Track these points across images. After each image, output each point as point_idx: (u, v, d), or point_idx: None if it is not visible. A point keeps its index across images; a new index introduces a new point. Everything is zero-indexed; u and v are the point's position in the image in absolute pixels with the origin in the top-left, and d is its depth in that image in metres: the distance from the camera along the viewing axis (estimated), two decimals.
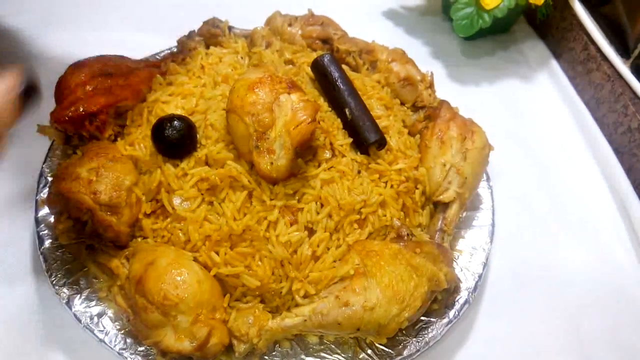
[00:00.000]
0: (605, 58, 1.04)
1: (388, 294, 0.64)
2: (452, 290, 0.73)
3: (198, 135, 0.73)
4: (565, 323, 0.80)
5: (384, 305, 0.63)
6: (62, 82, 0.78)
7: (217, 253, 0.67)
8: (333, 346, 0.68)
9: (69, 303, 0.69)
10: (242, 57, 0.87)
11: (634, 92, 0.98)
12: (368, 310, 0.63)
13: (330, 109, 0.79)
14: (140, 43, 1.00)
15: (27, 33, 1.08)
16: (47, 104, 0.78)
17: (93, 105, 0.75)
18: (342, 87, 0.79)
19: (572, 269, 0.86)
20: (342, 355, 0.68)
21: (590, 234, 0.90)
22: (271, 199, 0.69)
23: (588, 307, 0.81)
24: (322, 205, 0.71)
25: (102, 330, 0.67)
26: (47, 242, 0.73)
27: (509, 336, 0.78)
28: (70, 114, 0.75)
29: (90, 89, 0.77)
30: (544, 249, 0.88)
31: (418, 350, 0.68)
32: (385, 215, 0.74)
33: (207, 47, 0.93)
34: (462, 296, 0.74)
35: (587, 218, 0.92)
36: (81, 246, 0.71)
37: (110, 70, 0.80)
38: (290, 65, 0.86)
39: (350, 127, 0.76)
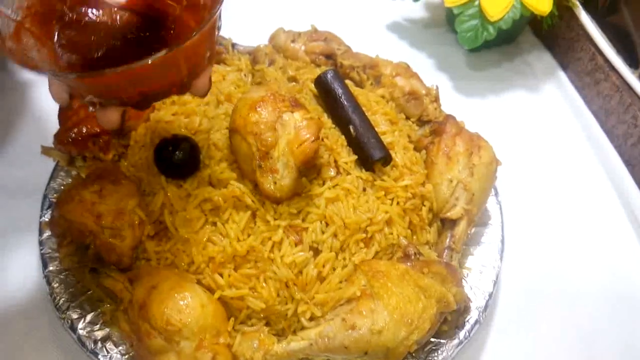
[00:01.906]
0: (613, 68, 1.03)
1: (396, 316, 0.62)
2: (462, 310, 0.71)
3: (201, 155, 0.72)
4: (580, 340, 0.78)
5: (392, 328, 0.62)
6: None
7: (221, 275, 0.66)
8: None
9: (72, 327, 0.68)
10: (245, 75, 0.87)
11: None
12: (375, 334, 0.61)
13: (334, 125, 0.79)
14: None
15: None
16: (50, 125, 0.79)
17: (96, 126, 0.75)
18: (346, 103, 0.78)
19: (584, 285, 0.84)
20: None
21: (602, 249, 0.88)
22: (275, 219, 0.68)
23: (602, 324, 0.79)
24: (327, 225, 0.69)
25: (106, 355, 0.66)
26: (51, 266, 0.72)
27: (522, 355, 0.76)
28: (73, 135, 0.74)
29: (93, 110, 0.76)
30: (555, 264, 0.86)
31: None
32: (392, 234, 0.73)
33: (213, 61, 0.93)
34: (473, 316, 0.72)
35: (598, 232, 0.90)
36: (84, 269, 0.70)
37: None
38: (294, 82, 0.85)
39: (355, 144, 0.76)
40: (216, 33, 0.58)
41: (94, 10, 0.59)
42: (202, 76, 0.58)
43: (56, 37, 0.57)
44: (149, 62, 0.49)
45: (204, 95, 0.60)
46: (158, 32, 0.59)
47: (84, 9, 0.59)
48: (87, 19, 0.59)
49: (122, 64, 0.52)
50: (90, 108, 0.57)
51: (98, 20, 0.59)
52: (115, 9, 0.60)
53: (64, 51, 0.57)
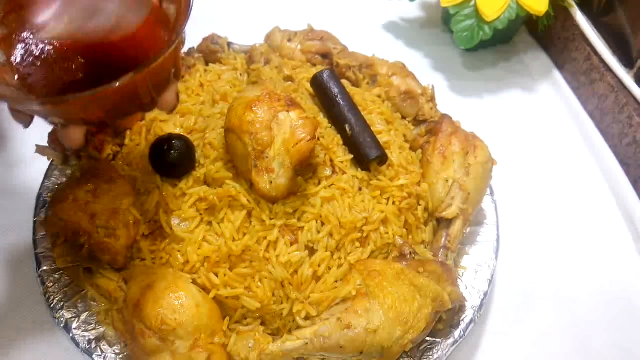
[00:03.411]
0: (608, 68, 1.03)
1: (391, 315, 0.62)
2: (457, 309, 0.71)
3: (197, 155, 0.72)
4: (575, 340, 0.78)
5: (387, 328, 0.62)
6: None
7: (216, 274, 0.66)
8: None
9: (66, 326, 0.68)
10: (241, 74, 0.87)
11: (638, 103, 0.97)
12: (371, 333, 0.61)
13: (330, 125, 0.79)
14: None
15: None
16: (45, 124, 0.78)
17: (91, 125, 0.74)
18: (342, 102, 0.78)
19: (579, 285, 0.84)
20: None
21: (597, 248, 0.88)
22: (271, 219, 0.68)
23: (597, 324, 0.80)
24: (322, 224, 0.69)
25: (101, 355, 0.66)
26: (46, 265, 0.72)
27: (517, 354, 0.76)
28: None
29: None
30: (550, 263, 0.86)
31: None
32: (387, 233, 0.72)
33: (207, 64, 0.93)
34: (468, 315, 0.72)
35: (593, 231, 0.91)
36: (79, 269, 0.70)
37: None
38: (290, 82, 0.85)
39: (351, 144, 0.76)
40: (181, 48, 0.57)
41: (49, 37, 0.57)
42: (168, 92, 0.57)
43: (14, 59, 0.55)
44: (115, 86, 0.48)
45: (171, 111, 0.60)
46: (121, 50, 0.57)
47: (40, 33, 0.57)
48: (43, 44, 0.57)
49: (84, 84, 0.51)
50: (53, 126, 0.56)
51: (54, 45, 0.57)
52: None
53: (22, 73, 0.55)
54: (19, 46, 0.56)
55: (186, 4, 0.55)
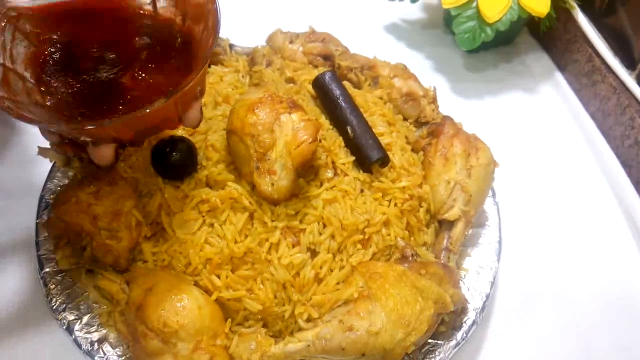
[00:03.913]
0: (610, 70, 1.03)
1: (393, 317, 0.62)
2: (460, 311, 0.71)
3: (198, 157, 0.72)
4: (577, 341, 0.78)
5: (389, 330, 0.62)
6: None
7: (218, 277, 0.66)
8: None
9: (69, 328, 0.68)
10: (243, 76, 0.87)
11: None
12: (373, 335, 0.61)
13: (332, 127, 0.79)
14: None
15: None
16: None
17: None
18: (343, 104, 0.78)
19: (581, 286, 0.84)
20: None
21: (599, 250, 0.88)
22: (272, 221, 0.68)
23: (599, 325, 0.80)
24: (324, 226, 0.69)
25: (103, 357, 0.66)
26: (48, 267, 0.72)
27: (519, 356, 0.76)
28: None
29: None
30: (552, 265, 0.86)
31: None
32: (389, 235, 0.73)
33: (209, 66, 0.93)
34: (470, 317, 0.72)
35: (595, 233, 0.90)
36: (81, 271, 0.70)
37: None
38: (291, 84, 0.85)
39: (353, 145, 0.76)
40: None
41: (78, 51, 0.59)
42: (193, 108, 0.59)
43: (44, 78, 0.57)
44: (148, 110, 0.50)
45: (196, 126, 0.62)
46: (148, 64, 0.59)
47: (69, 48, 0.59)
48: (73, 60, 0.59)
49: (114, 103, 0.52)
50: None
51: (83, 61, 0.59)
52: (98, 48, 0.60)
53: (52, 93, 0.56)
54: (48, 66, 0.58)
55: (213, 25, 0.56)
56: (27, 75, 0.56)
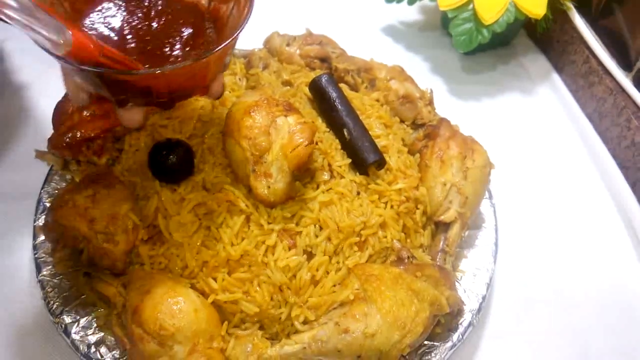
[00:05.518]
0: (607, 71, 1.03)
1: (389, 319, 0.63)
2: (456, 313, 0.71)
3: (195, 160, 0.72)
4: (574, 344, 0.78)
5: (385, 332, 0.62)
6: (59, 107, 0.78)
7: (215, 279, 0.66)
8: None
9: (66, 331, 0.68)
10: (239, 79, 0.87)
11: (636, 106, 0.97)
12: (369, 337, 0.62)
13: (328, 129, 0.79)
14: None
15: (30, 57, 1.09)
16: (45, 129, 0.79)
17: (90, 130, 0.75)
18: (340, 107, 0.78)
19: (577, 287, 0.84)
20: None
21: (596, 251, 0.88)
22: (269, 223, 0.68)
23: (596, 327, 0.80)
24: (321, 228, 0.70)
25: (100, 359, 0.66)
26: (45, 270, 0.72)
27: (515, 358, 0.76)
28: (67, 139, 0.74)
29: (87, 114, 0.76)
30: (548, 267, 0.86)
31: None
32: (385, 237, 0.73)
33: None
34: (466, 319, 0.72)
35: (592, 234, 0.91)
36: (78, 274, 0.70)
37: None
38: (288, 86, 0.85)
39: (349, 148, 0.76)
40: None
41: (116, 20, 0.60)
42: (217, 80, 0.61)
43: (88, 27, 0.58)
44: (196, 63, 0.52)
45: (218, 98, 0.63)
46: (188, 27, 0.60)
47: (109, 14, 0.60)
48: (119, 10, 0.60)
49: (154, 59, 0.54)
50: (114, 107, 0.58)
51: (129, 12, 0.60)
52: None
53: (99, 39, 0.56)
54: (91, 22, 0.59)
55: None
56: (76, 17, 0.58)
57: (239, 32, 0.56)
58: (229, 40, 0.55)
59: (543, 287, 0.83)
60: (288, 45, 0.95)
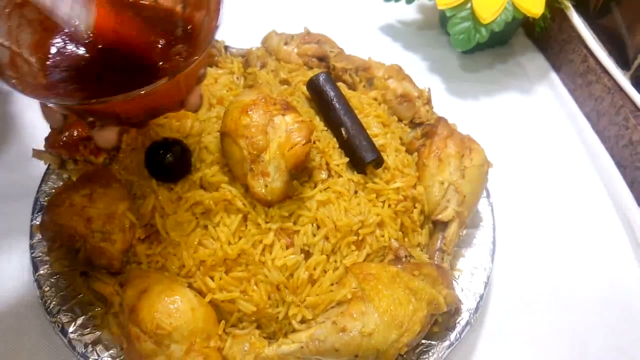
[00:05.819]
0: (604, 70, 1.03)
1: (386, 318, 0.63)
2: (453, 312, 0.71)
3: (192, 158, 0.72)
4: (572, 343, 0.78)
5: (382, 331, 0.62)
6: None
7: (212, 278, 0.66)
8: None
9: (63, 330, 0.68)
10: (237, 78, 0.87)
11: (634, 104, 0.97)
12: (366, 336, 0.62)
13: (326, 128, 0.79)
14: None
15: None
16: (42, 128, 0.78)
17: (87, 129, 0.74)
18: (337, 106, 0.78)
19: (575, 286, 0.84)
20: None
21: (594, 250, 0.89)
22: (266, 222, 0.68)
23: (594, 326, 0.80)
24: (318, 227, 0.69)
25: (97, 359, 0.66)
26: (42, 269, 0.72)
27: (513, 357, 0.76)
28: (64, 138, 0.74)
29: None
30: (546, 266, 0.86)
31: None
32: (383, 236, 0.73)
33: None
34: (464, 317, 0.72)
35: (590, 234, 0.91)
36: (75, 273, 0.70)
37: None
38: (286, 85, 0.85)
39: (347, 147, 0.76)
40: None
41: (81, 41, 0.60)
42: (194, 92, 0.60)
43: (49, 62, 0.58)
44: (159, 85, 0.51)
45: (196, 110, 0.63)
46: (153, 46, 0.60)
47: (71, 37, 0.59)
48: (76, 44, 0.59)
49: (122, 85, 0.53)
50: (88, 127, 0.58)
51: (87, 46, 0.59)
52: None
53: (59, 76, 0.57)
54: (53, 51, 0.58)
55: (215, 8, 0.57)
56: (33, 60, 0.57)
57: (207, 47, 0.55)
58: (198, 58, 0.54)
59: (541, 286, 0.84)
60: (286, 44, 0.95)
